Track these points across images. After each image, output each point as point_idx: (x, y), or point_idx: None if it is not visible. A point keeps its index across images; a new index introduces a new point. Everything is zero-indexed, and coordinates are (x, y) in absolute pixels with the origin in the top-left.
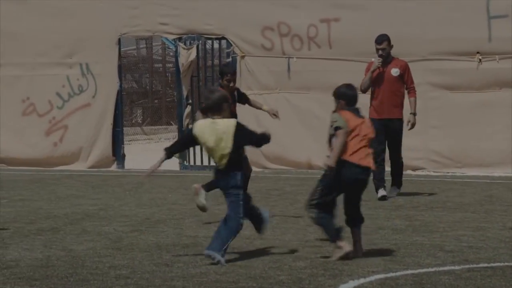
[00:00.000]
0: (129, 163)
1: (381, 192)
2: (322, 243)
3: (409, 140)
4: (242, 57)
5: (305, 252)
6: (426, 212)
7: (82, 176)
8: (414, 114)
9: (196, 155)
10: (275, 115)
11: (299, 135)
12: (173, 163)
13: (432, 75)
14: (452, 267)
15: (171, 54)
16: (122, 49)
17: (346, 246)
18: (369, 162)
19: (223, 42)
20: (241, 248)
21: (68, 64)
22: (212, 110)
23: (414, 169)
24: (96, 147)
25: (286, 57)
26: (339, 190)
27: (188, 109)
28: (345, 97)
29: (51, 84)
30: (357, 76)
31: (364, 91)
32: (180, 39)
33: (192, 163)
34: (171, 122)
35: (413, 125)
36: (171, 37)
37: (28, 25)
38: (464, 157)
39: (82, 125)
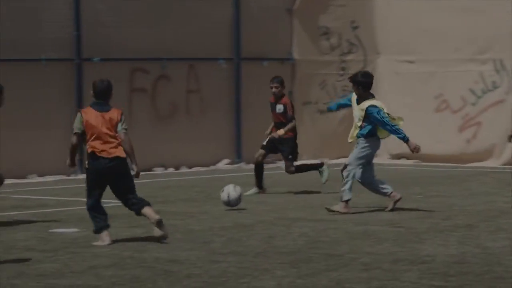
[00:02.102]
0: None
1: None
2: None
3: None
4: None
5: None
6: None
7: (495, 173)
8: None
9: None
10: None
11: None
12: None
13: None
14: None
15: None
16: None
17: None
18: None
19: None
20: None
21: (481, 60)
22: None
23: None
24: (510, 144)
25: None
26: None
27: None
28: None
29: (463, 81)
30: None
31: None
32: None
33: None
34: None
35: None
36: None
37: (441, 22)
38: None
39: (495, 121)
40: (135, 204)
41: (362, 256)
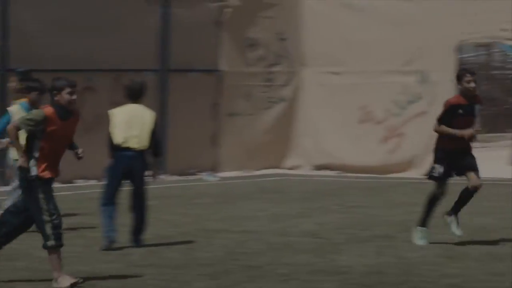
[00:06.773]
0: None
1: None
2: None
3: None
4: None
5: None
6: None
7: (416, 183)
8: None
9: None
10: None
11: None
12: (507, 171)
13: None
14: None
15: (509, 60)
16: (459, 56)
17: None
18: None
19: None
20: None
21: (406, 71)
22: None
23: None
24: (430, 155)
25: None
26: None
27: None
28: None
29: (388, 92)
30: None
31: None
32: None
33: None
34: (507, 130)
35: None
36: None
37: (367, 34)
38: None
39: (417, 133)
40: None
41: (281, 267)
